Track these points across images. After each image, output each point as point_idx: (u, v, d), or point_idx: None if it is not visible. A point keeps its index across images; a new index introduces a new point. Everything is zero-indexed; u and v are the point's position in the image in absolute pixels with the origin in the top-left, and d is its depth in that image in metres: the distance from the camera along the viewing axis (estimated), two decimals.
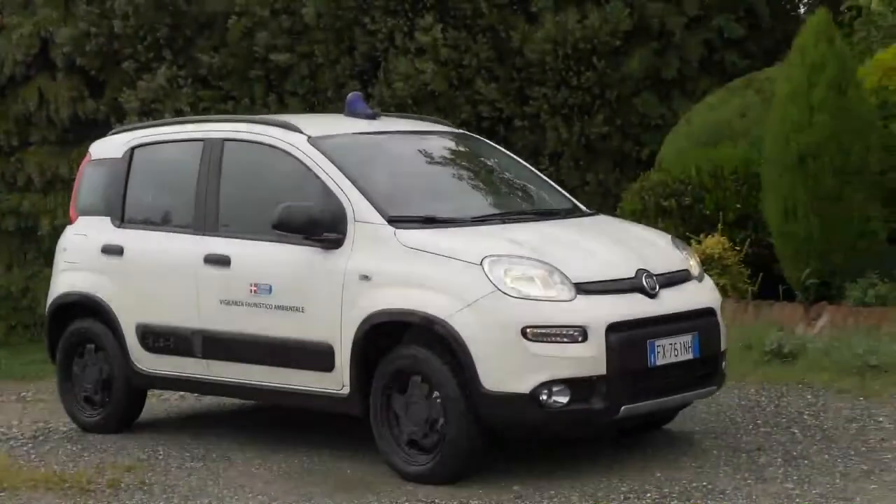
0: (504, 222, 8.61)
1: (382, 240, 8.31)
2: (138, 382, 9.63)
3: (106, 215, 9.82)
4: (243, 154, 9.30)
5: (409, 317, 8.11)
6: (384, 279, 8.22)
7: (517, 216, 8.78)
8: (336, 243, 8.46)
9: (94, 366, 9.82)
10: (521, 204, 9.16)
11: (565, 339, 7.80)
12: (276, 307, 8.70)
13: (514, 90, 16.00)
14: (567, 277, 7.95)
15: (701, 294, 8.54)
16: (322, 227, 8.46)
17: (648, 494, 7.59)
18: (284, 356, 8.69)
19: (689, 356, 8.21)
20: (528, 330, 7.78)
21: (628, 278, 8.15)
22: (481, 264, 7.95)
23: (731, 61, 16.10)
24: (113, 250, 9.66)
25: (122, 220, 9.73)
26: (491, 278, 7.89)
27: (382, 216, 8.39)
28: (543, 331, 7.80)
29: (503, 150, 10.02)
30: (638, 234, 8.94)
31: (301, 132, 8.95)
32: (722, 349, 8.53)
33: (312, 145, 8.83)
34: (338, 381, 8.43)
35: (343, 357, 8.39)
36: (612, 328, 7.88)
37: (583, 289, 7.96)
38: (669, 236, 9.09)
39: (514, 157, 9.92)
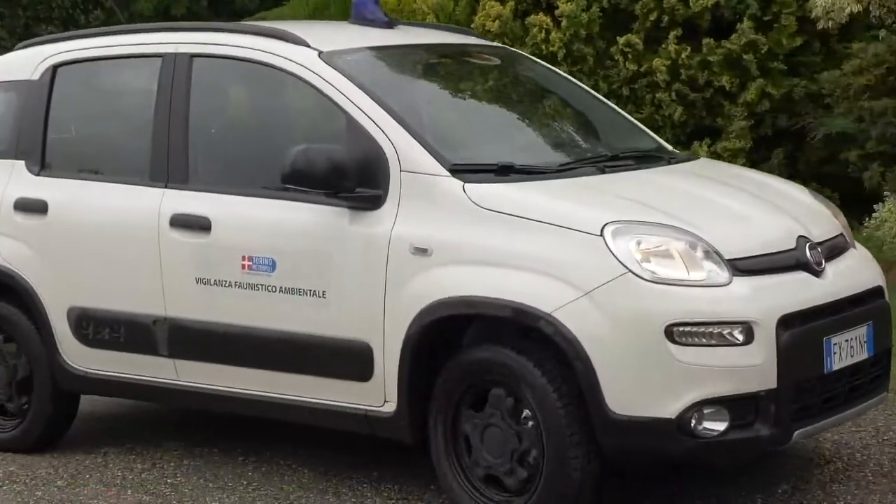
0: (602, 171, 6.25)
1: (445, 198, 5.91)
2: (69, 385, 7.06)
3: (17, 158, 7.20)
4: (222, 76, 6.80)
5: (495, 309, 5.73)
6: (451, 254, 5.83)
7: (613, 162, 6.41)
8: (374, 202, 6.03)
9: (2, 363, 7.24)
10: (608, 145, 6.78)
11: (722, 342, 5.52)
12: (281, 290, 6.25)
13: None
14: (717, 252, 5.65)
15: (865, 269, 6.31)
16: (354, 179, 6.00)
17: None
18: (295, 358, 6.27)
19: (864, 355, 5.99)
20: (674, 329, 5.48)
21: (789, 250, 5.88)
22: (602, 234, 5.60)
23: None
24: (31, 207, 7.04)
25: (41, 166, 7.11)
26: (617, 255, 5.56)
27: (442, 164, 5.97)
28: (694, 329, 5.50)
29: (554, 69, 7.61)
30: (775, 187, 6.64)
31: (308, 45, 6.46)
32: (893, 342, 6.34)
33: (328, 64, 6.34)
34: (377, 394, 6.04)
35: (387, 362, 6.00)
36: (784, 323, 5.61)
37: (738, 267, 5.67)
38: (804, 188, 6.84)
39: (569, 77, 7.53)
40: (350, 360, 6.09)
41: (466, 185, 5.88)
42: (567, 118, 7.01)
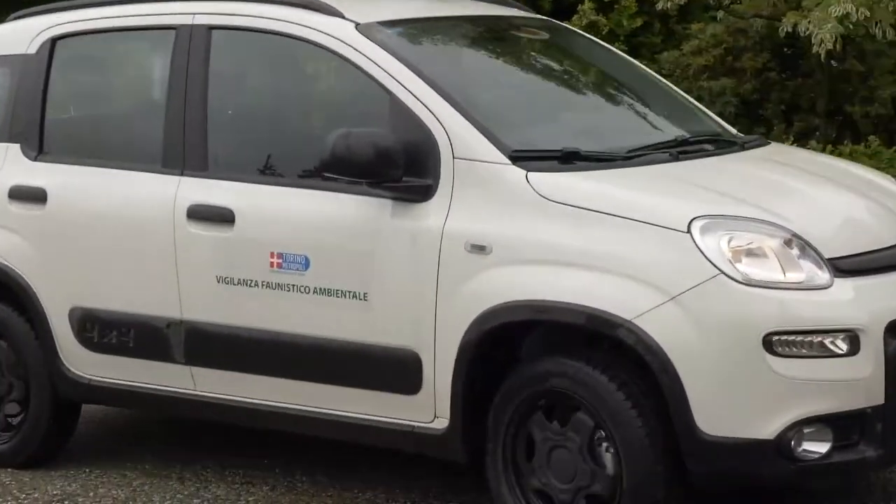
0: (676, 158, 5.57)
1: (506, 188, 5.23)
2: (71, 394, 6.35)
3: (11, 142, 6.46)
4: (245, 51, 6.09)
5: (568, 315, 5.06)
6: (514, 252, 5.15)
7: (685, 148, 5.74)
8: (423, 193, 5.34)
9: None
10: (675, 129, 6.10)
11: (824, 352, 4.87)
12: (316, 291, 5.56)
13: None
14: (816, 250, 4.99)
15: None
16: (401, 167, 5.32)
17: None
18: (331, 368, 5.59)
19: None
20: (773, 339, 4.82)
21: (891, 247, 5.24)
22: (689, 231, 4.93)
23: None
24: (28, 195, 6.31)
25: (39, 151, 6.38)
26: (707, 254, 4.89)
27: (501, 151, 5.29)
28: (795, 339, 4.85)
29: (604, 44, 6.92)
30: (860, 175, 5.98)
31: (343, 17, 5.75)
32: None
33: (367, 37, 5.65)
34: (426, 408, 5.38)
35: (438, 373, 5.32)
36: (892, 330, 4.97)
37: (839, 267, 5.02)
38: (889, 176, 6.19)
39: (620, 53, 6.85)
40: (395, 371, 5.42)
41: (530, 174, 5.21)
42: (626, 98, 6.33)
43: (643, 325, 4.89)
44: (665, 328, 4.87)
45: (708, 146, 5.84)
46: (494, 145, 5.29)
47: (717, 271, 4.86)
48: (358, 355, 5.50)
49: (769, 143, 6.35)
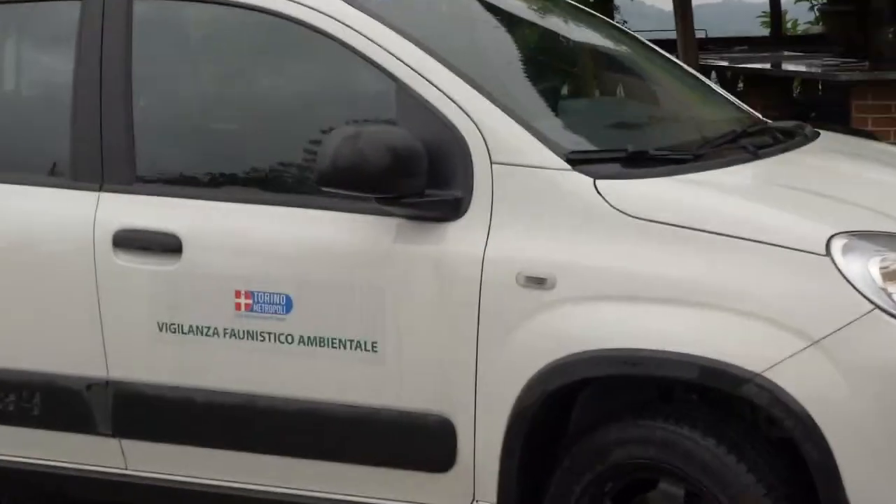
0: (756, 155, 4.39)
1: (567, 201, 3.99)
2: None
3: None
4: (182, 25, 4.67)
5: (674, 368, 3.84)
6: (587, 284, 3.91)
7: (752, 141, 4.56)
8: (452, 209, 4.07)
9: None
10: (721, 118, 4.90)
11: None
12: (303, 341, 4.23)
13: None
14: None
15: None
16: (424, 176, 4.02)
17: None
18: (327, 440, 4.28)
19: None
20: None
21: None
22: (828, 253, 3.77)
23: None
24: None
25: None
26: (855, 283, 3.74)
27: (555, 151, 4.04)
28: None
29: (607, 20, 5.67)
30: None
31: None
32: None
33: (359, 9, 4.31)
34: (462, 490, 4.12)
35: (480, 444, 4.07)
36: None
37: None
38: None
39: (636, 35, 5.62)
40: (418, 443, 4.14)
41: (599, 181, 3.97)
42: (658, 84, 5.12)
43: (778, 380, 3.71)
44: (808, 382, 3.71)
45: (772, 138, 4.68)
46: (545, 144, 4.04)
47: (872, 305, 3.71)
48: (365, 423, 4.20)
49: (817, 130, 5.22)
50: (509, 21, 5.01)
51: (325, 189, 4.04)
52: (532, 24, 5.07)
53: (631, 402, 4.06)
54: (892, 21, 11.27)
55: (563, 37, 5.10)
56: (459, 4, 4.92)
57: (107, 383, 4.51)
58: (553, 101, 4.51)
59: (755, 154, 4.35)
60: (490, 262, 3.99)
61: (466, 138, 4.06)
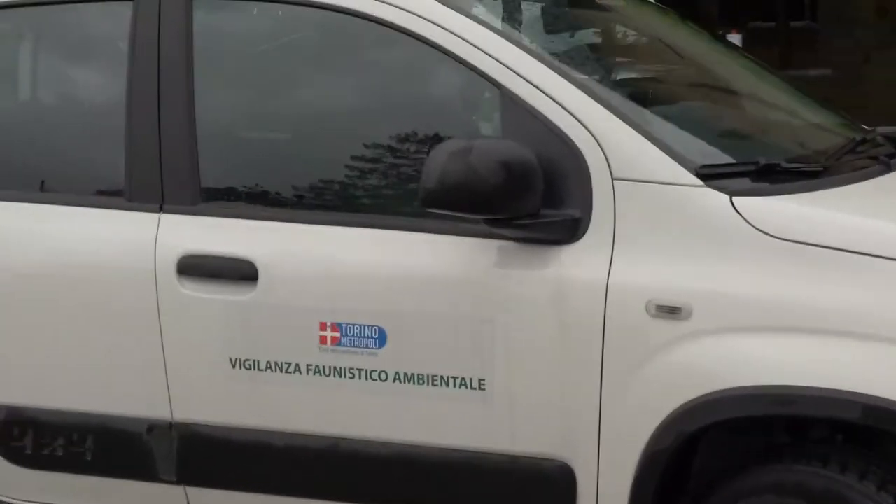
0: (888, 166, 4.00)
1: (702, 221, 3.57)
2: None
3: None
4: (252, 25, 4.21)
5: (830, 407, 3.43)
6: (729, 314, 3.50)
7: (886, 154, 4.17)
8: (570, 231, 3.65)
9: None
10: (840, 129, 4.50)
11: None
12: (399, 378, 3.80)
13: None
14: None
15: None
16: (539, 194, 3.59)
17: None
18: (429, 487, 3.86)
19: None
20: None
21: None
22: None
23: None
24: None
25: None
26: None
27: (685, 166, 3.62)
28: None
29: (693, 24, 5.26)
30: None
31: None
32: None
33: (448, 6, 3.88)
34: None
35: (605, 493, 3.65)
36: None
37: None
38: None
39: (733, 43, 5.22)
40: (533, 491, 3.73)
41: (737, 199, 3.56)
42: (760, 90, 4.70)
43: None
44: None
45: (892, 145, 4.29)
46: (674, 158, 3.63)
47: None
48: (470, 469, 3.78)
49: None
50: (615, 27, 4.60)
51: (430, 210, 3.60)
52: (637, 30, 4.65)
53: (767, 444, 3.66)
54: None
55: (667, 42, 4.68)
56: (560, 8, 4.50)
57: (170, 425, 4.07)
58: (671, 110, 4.09)
59: (888, 165, 3.96)
60: (615, 290, 3.58)
61: (584, 152, 3.64)
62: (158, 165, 4.06)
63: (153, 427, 4.09)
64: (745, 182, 3.64)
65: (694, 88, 4.39)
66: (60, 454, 4.21)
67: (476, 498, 3.79)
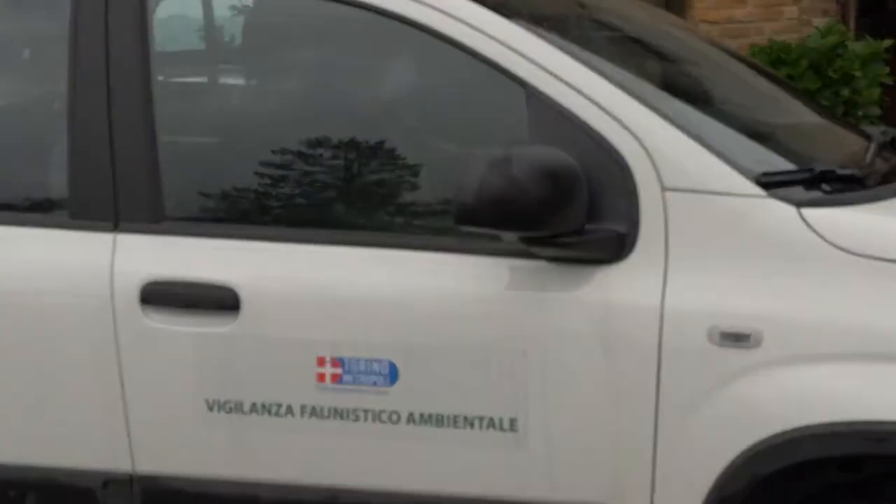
0: None
1: (767, 236, 3.15)
2: None
3: None
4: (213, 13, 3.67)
5: None
6: (805, 341, 3.09)
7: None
8: (615, 248, 3.20)
9: None
10: (858, 134, 4.14)
11: None
12: (414, 419, 3.31)
13: None
14: None
15: None
16: (583, 207, 3.14)
17: None
18: None
19: None
20: None
21: None
22: None
23: None
24: None
25: None
26: None
27: (744, 175, 3.21)
28: None
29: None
30: None
31: None
32: None
33: (487, 8, 3.40)
34: None
35: None
36: None
37: None
38: None
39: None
40: None
41: (804, 210, 3.16)
42: (781, 96, 4.28)
43: None
44: None
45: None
46: (730, 165, 3.21)
47: None
48: None
49: None
50: (652, 33, 4.16)
51: (464, 228, 3.12)
52: (668, 37, 4.21)
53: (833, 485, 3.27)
54: None
55: (697, 47, 4.25)
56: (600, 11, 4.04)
57: (132, 479, 3.50)
58: (716, 113, 3.66)
59: None
60: (672, 315, 3.15)
61: (629, 159, 3.20)
62: (111, 175, 3.48)
63: (109, 481, 3.51)
64: (812, 192, 3.25)
65: (726, 91, 3.97)
66: None
67: None
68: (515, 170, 3.05)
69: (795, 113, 4.03)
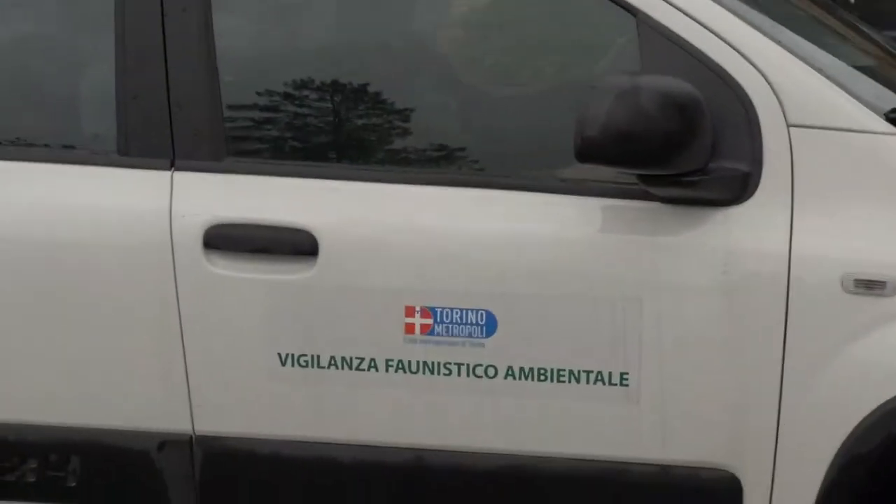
0: None
1: None
2: None
3: None
4: None
5: None
6: None
7: None
8: (737, 189, 2.96)
9: None
10: None
11: None
12: (513, 374, 3.04)
13: None
14: None
15: None
16: (708, 142, 2.89)
17: None
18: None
19: None
20: None
21: None
22: None
23: None
24: None
25: None
26: None
27: (873, 111, 2.99)
28: None
29: None
30: None
31: None
32: None
33: None
34: None
35: None
36: None
37: None
38: None
39: None
40: None
41: None
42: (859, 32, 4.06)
43: None
44: None
45: None
46: (859, 102, 2.99)
47: None
48: (605, 483, 3.07)
49: None
50: None
51: (585, 164, 2.86)
52: None
53: None
54: None
55: None
56: None
57: (191, 440, 3.20)
58: (835, 51, 3.42)
59: None
60: (800, 261, 2.92)
61: (751, 93, 2.96)
62: (166, 107, 3.16)
63: (166, 443, 3.20)
64: None
65: (835, 31, 3.73)
66: (31, 481, 3.28)
67: None
68: (645, 101, 2.80)
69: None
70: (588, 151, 2.83)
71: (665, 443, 3.02)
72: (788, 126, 2.96)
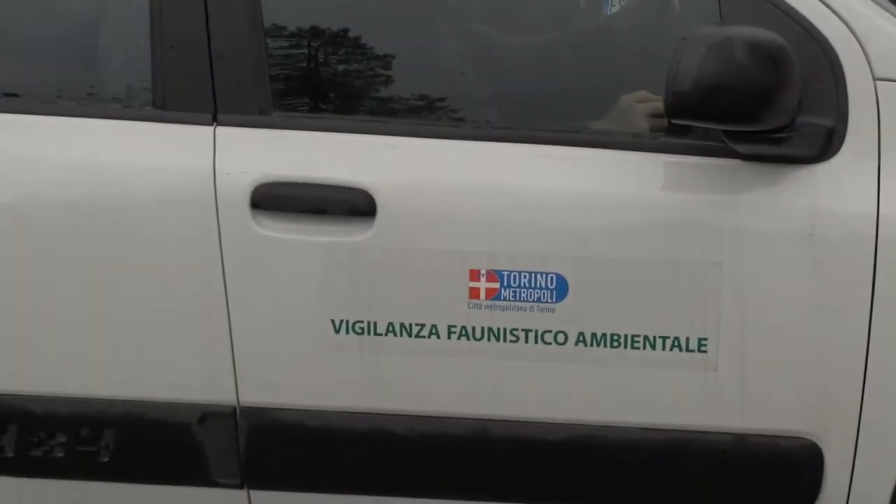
0: None
1: None
2: None
3: None
4: None
5: None
6: None
7: None
8: (820, 146, 2.82)
9: None
10: None
11: None
12: (585, 340, 2.89)
13: None
14: None
15: None
16: (797, 97, 2.74)
17: None
18: (629, 479, 2.98)
19: None
20: None
21: None
22: None
23: None
24: None
25: None
26: None
27: None
28: None
29: None
30: None
31: None
32: None
33: None
34: None
35: (860, 480, 2.91)
36: None
37: None
38: None
39: None
40: (763, 478, 2.93)
41: None
42: None
43: None
44: None
45: None
46: None
47: None
48: (680, 453, 2.94)
49: None
50: None
51: (676, 121, 2.71)
52: None
53: None
54: None
55: None
56: None
57: (235, 412, 3.01)
58: None
59: None
60: (890, 221, 2.80)
61: (835, 45, 2.82)
62: (207, 57, 2.95)
63: (208, 414, 3.02)
64: None
65: None
66: (60, 455, 3.08)
67: (685, 489, 2.96)
68: (739, 53, 2.64)
69: None
70: (680, 107, 2.67)
71: (744, 410, 2.89)
72: (875, 80, 2.83)
